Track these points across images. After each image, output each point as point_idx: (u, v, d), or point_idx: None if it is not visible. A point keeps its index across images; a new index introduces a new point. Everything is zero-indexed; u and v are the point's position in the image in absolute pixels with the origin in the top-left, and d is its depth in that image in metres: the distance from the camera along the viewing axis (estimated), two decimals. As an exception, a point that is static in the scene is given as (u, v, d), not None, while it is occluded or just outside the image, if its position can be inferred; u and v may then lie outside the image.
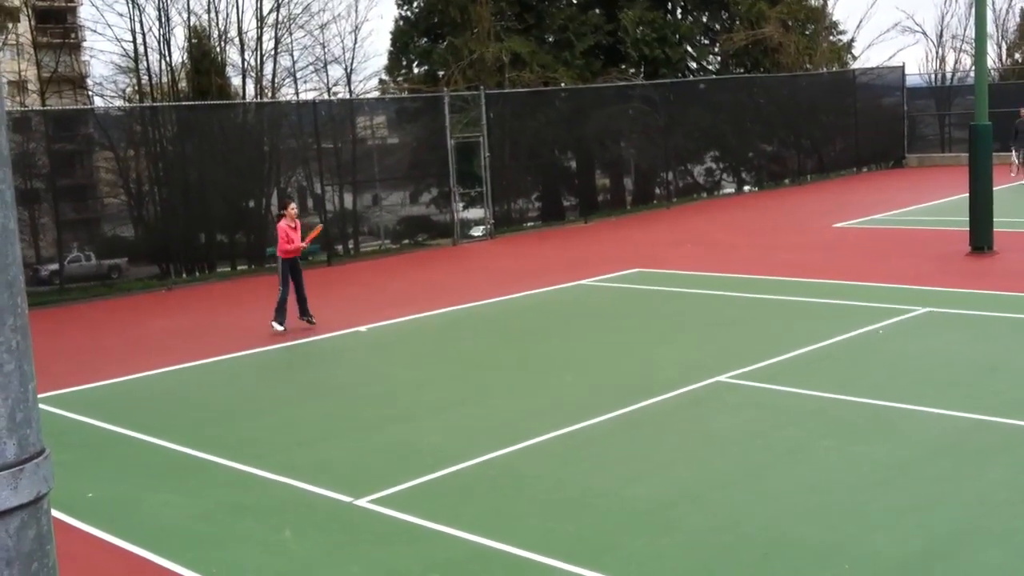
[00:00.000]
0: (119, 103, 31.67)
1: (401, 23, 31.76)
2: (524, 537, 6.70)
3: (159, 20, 30.48)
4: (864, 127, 33.66)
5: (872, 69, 36.33)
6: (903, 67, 35.41)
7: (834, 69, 35.94)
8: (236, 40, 31.50)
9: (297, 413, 10.18)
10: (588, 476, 7.85)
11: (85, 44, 45.41)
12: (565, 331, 13.55)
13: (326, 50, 34.70)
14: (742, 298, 14.72)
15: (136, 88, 31.01)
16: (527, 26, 30.91)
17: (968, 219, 17.04)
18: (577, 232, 24.58)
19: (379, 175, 24.55)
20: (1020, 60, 44.58)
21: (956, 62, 43.32)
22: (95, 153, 23.48)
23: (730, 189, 31.73)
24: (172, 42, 34.07)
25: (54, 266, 19.96)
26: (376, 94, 32.95)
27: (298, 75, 33.18)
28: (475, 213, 24.86)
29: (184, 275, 20.81)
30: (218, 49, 31.13)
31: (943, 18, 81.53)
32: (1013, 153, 27.41)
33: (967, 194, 17.20)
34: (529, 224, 26.34)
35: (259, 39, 31.47)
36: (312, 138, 22.84)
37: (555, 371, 11.19)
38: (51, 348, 13.88)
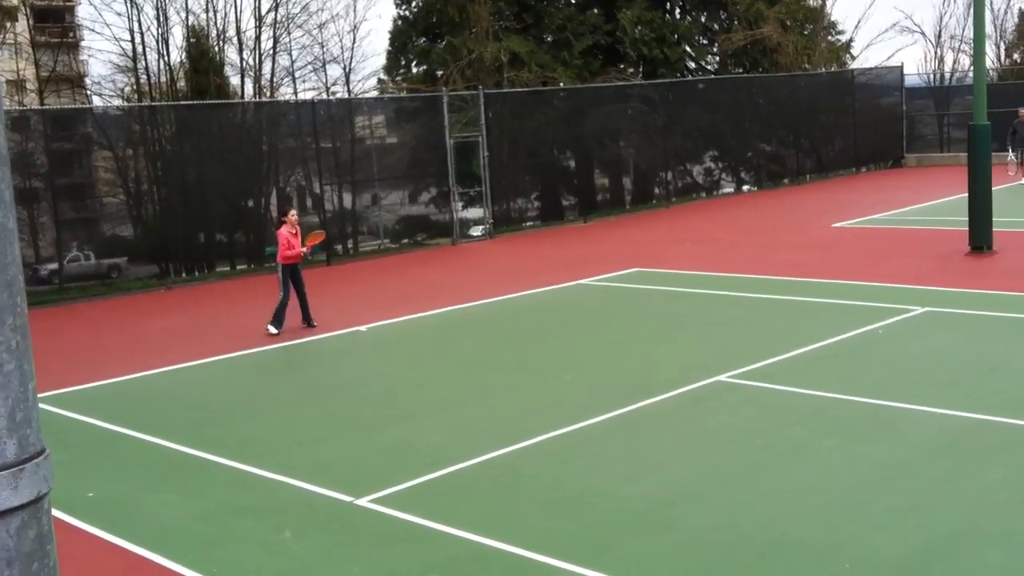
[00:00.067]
0: (118, 102, 31.68)
1: (400, 23, 31.76)
2: (523, 536, 6.70)
3: (157, 19, 30.49)
4: (863, 127, 33.67)
5: (871, 69, 36.35)
6: (902, 67, 35.47)
7: (833, 69, 35.94)
8: (234, 39, 31.53)
9: (297, 413, 10.18)
10: (587, 476, 7.85)
11: (83, 43, 45.40)
12: (564, 331, 13.54)
13: (325, 49, 34.75)
14: (741, 298, 14.72)
15: (134, 87, 30.99)
16: (525, 26, 30.91)
17: (967, 219, 17.04)
18: (576, 232, 24.58)
19: (378, 175, 24.54)
20: (1018, 60, 44.62)
21: (955, 62, 43.35)
22: (94, 152, 23.48)
23: (729, 189, 31.74)
24: (170, 41, 34.11)
25: (53, 265, 19.95)
26: (375, 94, 32.96)
27: (297, 75, 33.21)
28: (474, 213, 24.86)
29: (183, 274, 20.80)
30: (216, 48, 31.12)
31: (941, 18, 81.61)
32: (1009, 153, 27.42)
33: (966, 194, 17.21)
34: (528, 224, 26.34)
35: (257, 38, 31.47)
36: (311, 138, 22.84)
37: (554, 371, 11.19)
38: (51, 347, 13.87)
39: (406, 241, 24.35)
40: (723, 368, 10.56)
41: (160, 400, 11.12)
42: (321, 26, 36.01)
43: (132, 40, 30.38)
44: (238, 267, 21.79)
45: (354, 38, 45.86)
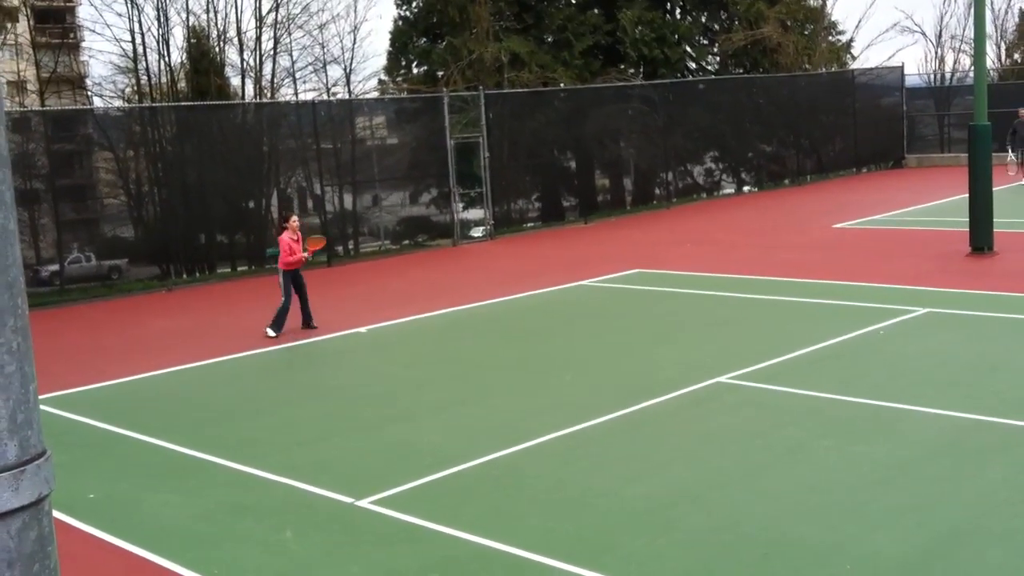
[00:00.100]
0: (118, 103, 31.66)
1: (400, 23, 31.76)
2: (524, 537, 6.70)
3: (158, 20, 30.46)
4: (863, 127, 33.66)
5: (871, 69, 36.33)
6: (902, 67, 35.45)
7: (833, 69, 35.94)
8: (235, 40, 31.50)
9: (297, 413, 10.18)
10: (588, 476, 7.85)
11: (84, 44, 45.40)
12: (565, 331, 13.54)
13: (325, 50, 34.70)
14: (742, 298, 14.72)
15: (135, 88, 30.98)
16: (526, 26, 30.91)
17: (968, 219, 17.04)
18: (577, 232, 24.58)
19: (379, 175, 24.54)
20: (1019, 60, 44.59)
21: (955, 62, 43.35)
22: (94, 153, 23.49)
23: (730, 189, 31.73)
24: (171, 42, 34.03)
25: (54, 267, 19.96)
26: (375, 94, 32.96)
27: (297, 75, 33.17)
28: (475, 213, 24.86)
29: (184, 276, 20.81)
30: (217, 49, 31.12)
31: (942, 18, 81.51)
32: (1009, 153, 27.41)
33: (967, 194, 17.20)
34: (529, 224, 26.34)
35: (258, 39, 31.45)
36: (311, 138, 22.84)
37: (555, 371, 11.19)
38: (51, 349, 13.88)
39: (407, 242, 24.35)
40: (724, 369, 10.56)
41: (161, 401, 11.12)
42: (322, 27, 35.96)
43: (133, 41, 30.39)
44: (239, 268, 21.79)
45: (355, 39, 45.71)
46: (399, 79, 32.35)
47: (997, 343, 11.28)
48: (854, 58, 38.82)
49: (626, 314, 14.47)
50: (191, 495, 7.98)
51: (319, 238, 15.24)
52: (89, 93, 35.11)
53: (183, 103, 26.09)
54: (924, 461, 7.76)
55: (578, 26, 30.74)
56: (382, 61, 35.91)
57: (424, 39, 31.55)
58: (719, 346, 11.85)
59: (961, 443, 8.14)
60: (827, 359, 10.93)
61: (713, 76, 33.70)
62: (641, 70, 32.10)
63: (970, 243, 16.91)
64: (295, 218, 14.63)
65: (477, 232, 24.50)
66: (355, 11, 56.15)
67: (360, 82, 41.42)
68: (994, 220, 16.92)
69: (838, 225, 21.61)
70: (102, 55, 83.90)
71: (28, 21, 32.20)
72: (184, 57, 31.21)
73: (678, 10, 34.44)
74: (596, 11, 31.65)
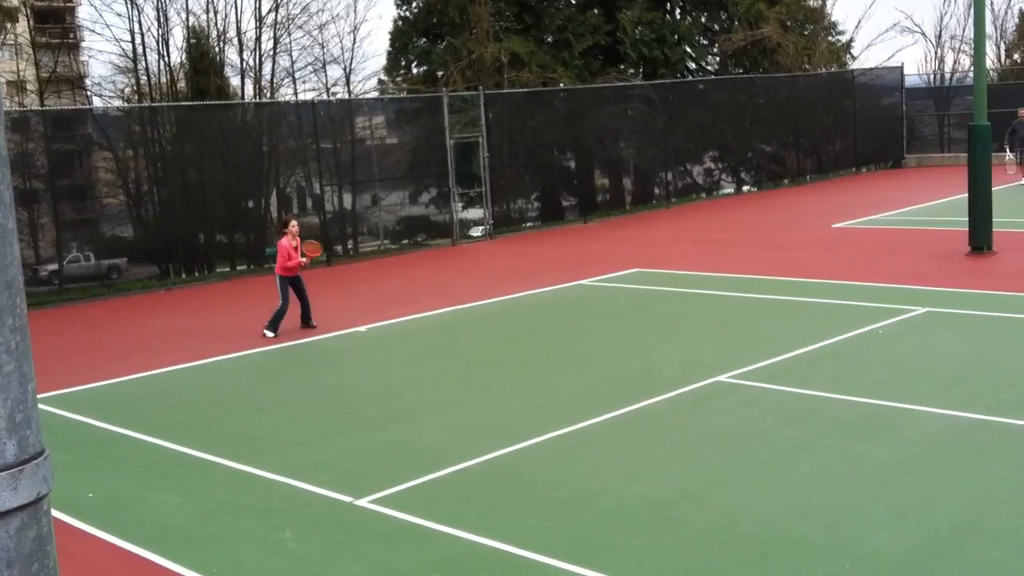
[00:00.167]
0: (118, 103, 31.67)
1: (400, 23, 31.77)
2: (523, 536, 6.70)
3: (158, 20, 30.48)
4: (863, 127, 33.67)
5: (871, 69, 36.32)
6: (902, 67, 35.45)
7: (833, 69, 35.93)
8: (235, 40, 31.52)
9: (297, 412, 10.18)
10: (588, 475, 7.85)
11: (84, 44, 45.38)
12: (564, 331, 13.54)
13: (325, 50, 34.74)
14: (741, 298, 14.72)
15: (135, 88, 30.99)
16: (526, 26, 30.92)
17: (967, 219, 17.04)
18: (576, 232, 24.58)
19: (378, 175, 24.54)
20: (1019, 60, 44.59)
21: (955, 62, 43.19)
22: (94, 153, 23.48)
23: (729, 189, 31.72)
24: (171, 42, 34.06)
25: (53, 266, 19.96)
26: (375, 94, 32.95)
27: (297, 75, 33.18)
28: (474, 213, 24.86)
29: (183, 275, 20.80)
30: (217, 49, 31.13)
31: (942, 18, 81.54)
32: (1008, 153, 27.41)
33: (966, 194, 17.21)
34: (528, 224, 26.34)
35: (258, 39, 31.46)
36: (311, 138, 22.85)
37: (555, 370, 11.19)
38: (50, 348, 13.88)
39: (406, 242, 24.35)
40: (723, 368, 10.56)
41: (160, 400, 11.12)
42: (321, 27, 36.01)
43: (132, 41, 30.40)
44: (238, 268, 21.79)
45: (354, 39, 45.80)
46: (399, 79, 32.36)
47: (996, 342, 11.28)
48: (854, 58, 38.87)
49: (625, 313, 14.47)
50: (190, 494, 7.98)
51: (316, 244, 14.83)
52: (89, 93, 35.12)
53: (183, 103, 26.08)
54: (924, 460, 7.76)
55: (578, 26, 30.75)
56: (382, 61, 35.97)
57: (424, 39, 31.56)
58: (718, 345, 11.86)
59: (961, 442, 8.14)
60: (826, 358, 10.93)
61: (713, 76, 33.70)
62: (641, 70, 32.10)
63: (969, 243, 16.92)
64: (295, 223, 14.45)
65: (476, 232, 24.50)
66: (355, 11, 56.20)
67: (360, 82, 41.39)
68: (993, 220, 16.93)
69: (837, 225, 21.61)
70: (102, 55, 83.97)
71: (28, 21, 32.21)
72: (184, 57, 31.23)
73: (678, 10, 34.45)
74: (596, 11, 31.66)
